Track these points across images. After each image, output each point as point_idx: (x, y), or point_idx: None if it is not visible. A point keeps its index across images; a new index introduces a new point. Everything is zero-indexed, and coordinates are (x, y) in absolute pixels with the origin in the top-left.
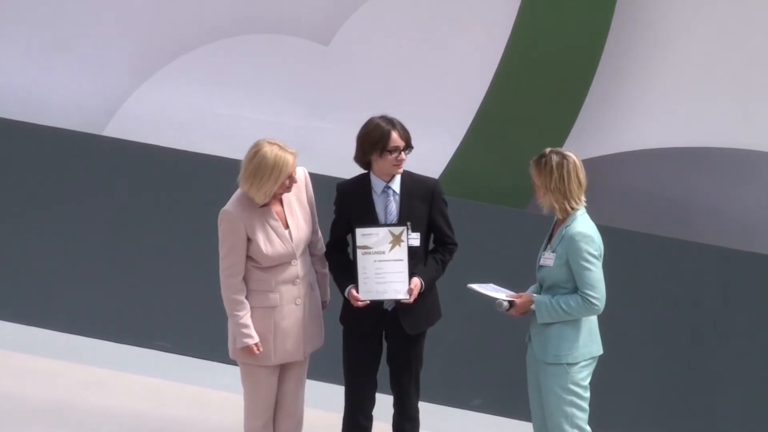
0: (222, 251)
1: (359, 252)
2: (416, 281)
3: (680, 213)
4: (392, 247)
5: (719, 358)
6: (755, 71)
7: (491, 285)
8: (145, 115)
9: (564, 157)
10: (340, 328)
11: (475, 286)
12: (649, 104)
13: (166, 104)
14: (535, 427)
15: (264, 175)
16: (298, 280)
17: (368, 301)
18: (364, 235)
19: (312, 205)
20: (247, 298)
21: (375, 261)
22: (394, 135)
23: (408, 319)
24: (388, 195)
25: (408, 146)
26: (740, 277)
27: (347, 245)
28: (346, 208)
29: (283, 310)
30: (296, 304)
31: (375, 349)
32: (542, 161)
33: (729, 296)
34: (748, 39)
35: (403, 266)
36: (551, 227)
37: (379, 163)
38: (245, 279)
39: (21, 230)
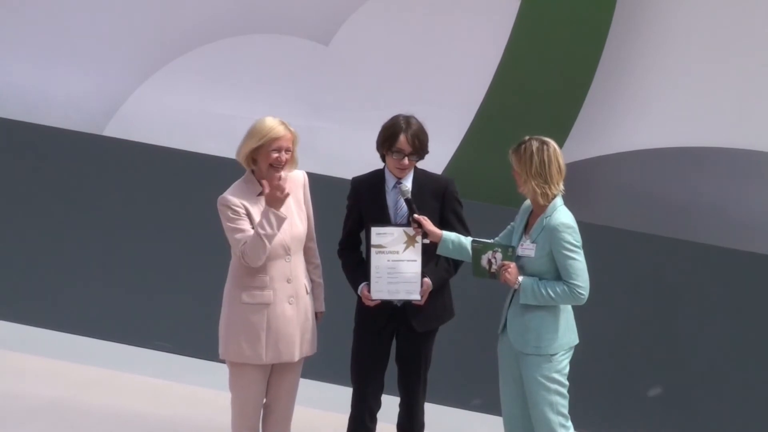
0: (229, 233)
1: (373, 251)
2: (426, 282)
3: (680, 213)
4: (406, 248)
5: (720, 358)
6: (755, 71)
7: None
8: (145, 115)
9: (544, 142)
10: (344, 329)
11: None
12: (649, 104)
13: (166, 104)
14: (506, 418)
15: (253, 137)
16: (292, 279)
17: (379, 301)
18: (378, 234)
19: (309, 209)
20: (241, 294)
21: (388, 260)
22: (402, 138)
23: (417, 316)
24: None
25: (415, 153)
26: (740, 277)
27: (360, 242)
28: (359, 201)
29: (277, 309)
30: (290, 303)
31: (385, 349)
32: (522, 147)
33: (729, 296)
34: (748, 39)
35: (416, 267)
36: (527, 217)
37: (387, 160)
38: (240, 275)
39: (21, 230)
